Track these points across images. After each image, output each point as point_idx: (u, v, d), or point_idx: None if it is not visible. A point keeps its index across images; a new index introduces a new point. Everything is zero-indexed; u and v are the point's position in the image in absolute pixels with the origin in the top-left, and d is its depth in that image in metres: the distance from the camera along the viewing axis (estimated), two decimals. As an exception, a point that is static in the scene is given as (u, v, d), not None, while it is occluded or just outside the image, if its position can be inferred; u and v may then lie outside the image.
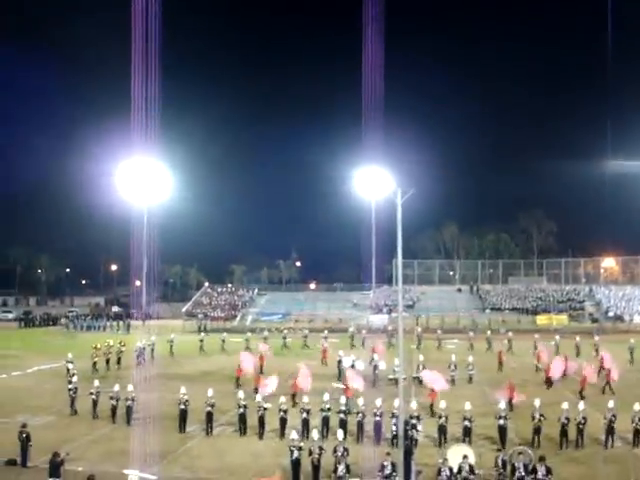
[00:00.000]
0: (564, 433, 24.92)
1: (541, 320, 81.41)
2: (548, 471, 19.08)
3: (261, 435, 26.77)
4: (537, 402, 25.77)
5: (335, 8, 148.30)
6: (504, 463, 20.04)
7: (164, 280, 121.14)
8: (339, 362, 40.79)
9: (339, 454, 20.49)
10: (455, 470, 19.35)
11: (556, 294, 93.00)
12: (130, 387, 29.05)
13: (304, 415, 26.30)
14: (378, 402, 26.08)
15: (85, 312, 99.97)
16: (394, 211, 20.08)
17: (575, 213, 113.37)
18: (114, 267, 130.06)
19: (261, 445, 25.76)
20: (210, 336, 60.61)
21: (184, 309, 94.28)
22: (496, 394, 29.93)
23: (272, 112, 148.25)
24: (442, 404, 26.17)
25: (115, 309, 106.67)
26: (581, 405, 25.90)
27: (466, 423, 25.27)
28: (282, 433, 26.35)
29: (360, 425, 25.99)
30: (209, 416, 27.50)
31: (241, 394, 28.02)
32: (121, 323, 79.62)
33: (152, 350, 48.82)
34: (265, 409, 26.88)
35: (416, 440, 22.95)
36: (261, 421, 26.80)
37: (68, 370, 37.08)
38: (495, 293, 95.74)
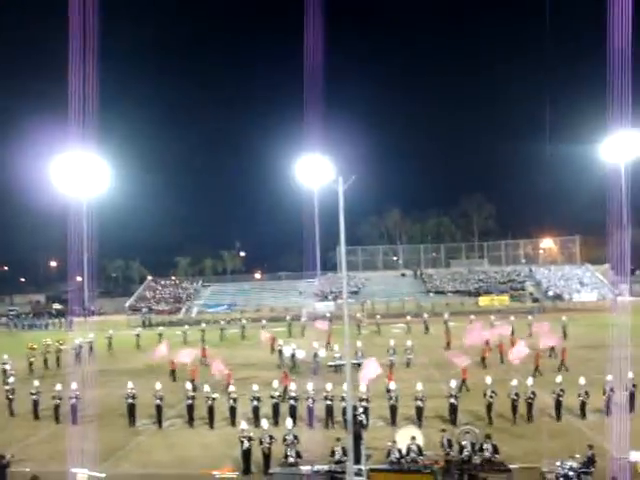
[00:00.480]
0: (514, 409, 25.84)
1: (483, 301, 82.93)
2: (495, 449, 19.56)
3: (211, 425, 26.79)
4: (489, 379, 26.69)
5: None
6: (450, 443, 20.42)
7: (106, 275, 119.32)
8: (280, 351, 40.94)
9: (289, 442, 20.59)
10: (404, 452, 19.66)
11: (497, 275, 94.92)
12: (74, 385, 28.42)
13: (254, 403, 26.68)
14: (329, 386, 26.43)
15: (26, 310, 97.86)
16: (336, 198, 20.11)
17: (514, 195, 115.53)
18: (54, 263, 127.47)
19: (211, 436, 25.70)
20: (152, 330, 60.06)
21: (127, 304, 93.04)
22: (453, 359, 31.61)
23: (212, 101, 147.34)
24: (392, 385, 26.70)
25: (56, 306, 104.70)
26: (530, 381, 26.77)
27: (418, 403, 26.00)
28: (233, 422, 26.46)
29: (310, 410, 26.33)
30: (158, 409, 27.45)
31: (189, 385, 28.11)
32: (63, 320, 78.05)
33: (90, 347, 47.86)
34: (214, 399, 26.95)
35: (366, 424, 23.14)
36: (210, 411, 26.87)
37: (5, 371, 36.31)
38: (438, 277, 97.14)
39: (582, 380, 26.22)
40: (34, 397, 29.20)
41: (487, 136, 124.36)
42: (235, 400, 26.92)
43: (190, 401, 27.24)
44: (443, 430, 21.40)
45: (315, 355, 37.34)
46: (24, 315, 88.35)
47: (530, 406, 25.96)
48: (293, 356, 38.88)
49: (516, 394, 25.97)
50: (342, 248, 21.00)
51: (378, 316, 59.97)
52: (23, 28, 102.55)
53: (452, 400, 26.26)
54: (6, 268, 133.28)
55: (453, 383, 26.99)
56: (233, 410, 26.85)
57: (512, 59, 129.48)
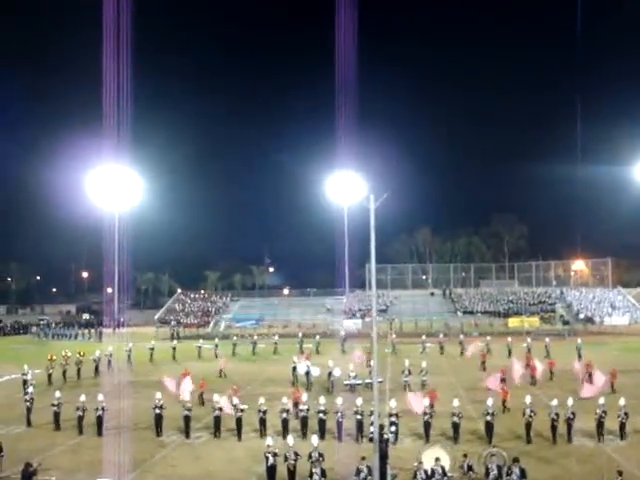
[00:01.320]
0: (554, 429, 25.74)
1: (513, 323, 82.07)
2: (522, 473, 19.18)
3: (239, 437, 26.91)
4: (528, 399, 26.59)
5: (311, 14, 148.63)
6: (470, 468, 20.08)
7: (136, 287, 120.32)
8: (294, 368, 40.26)
9: (314, 459, 20.49)
10: (429, 473, 19.44)
11: (527, 297, 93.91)
12: (100, 397, 28.32)
13: (284, 415, 26.94)
14: (359, 401, 26.63)
15: (56, 320, 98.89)
16: (367, 216, 20.11)
17: (545, 216, 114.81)
18: (85, 274, 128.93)
19: (238, 450, 25.60)
20: (183, 343, 60.36)
21: (157, 316, 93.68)
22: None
23: (245, 117, 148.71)
24: (426, 402, 26.74)
25: (86, 317, 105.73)
26: (570, 401, 26.47)
27: (454, 419, 26.11)
28: (262, 434, 26.69)
29: (339, 425, 26.55)
30: (186, 420, 27.63)
31: (216, 397, 28.09)
32: (92, 331, 78.75)
33: (109, 361, 47.30)
34: (242, 411, 27.12)
35: (392, 441, 22.96)
36: (238, 423, 27.03)
37: (25, 382, 35.99)
38: (467, 296, 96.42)
39: (622, 401, 26.14)
40: (55, 408, 28.93)
41: (520, 156, 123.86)
42: (265, 412, 27.12)
43: (218, 412, 27.27)
44: (464, 455, 20.92)
45: (330, 374, 36.71)
46: (54, 325, 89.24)
47: (569, 427, 25.80)
48: (307, 373, 38.18)
49: (556, 414, 25.85)
50: (372, 265, 20.93)
51: (424, 336, 58.57)
52: (58, 43, 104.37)
53: (488, 418, 26.13)
54: (38, 278, 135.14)
55: (490, 401, 26.87)
56: (263, 422, 27.11)
57: (547, 79, 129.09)
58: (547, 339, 51.34)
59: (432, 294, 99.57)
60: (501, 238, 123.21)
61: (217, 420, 27.33)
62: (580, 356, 46.02)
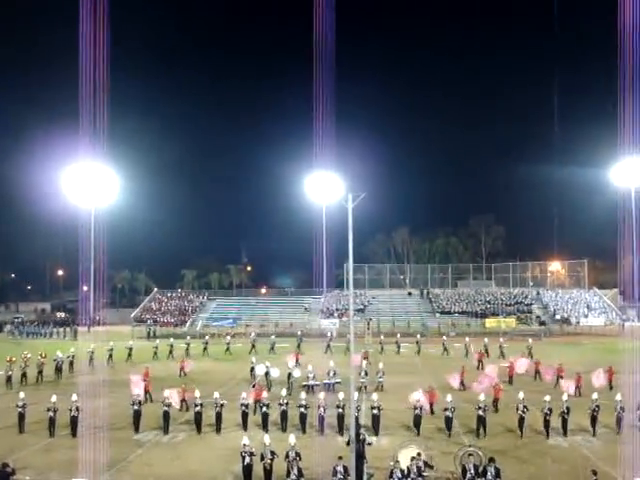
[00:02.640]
0: (547, 423, 26.43)
1: (490, 323, 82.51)
2: (497, 473, 19.18)
3: (218, 431, 27.44)
4: (521, 394, 27.27)
5: (290, 15, 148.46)
6: (420, 470, 19.89)
7: (112, 285, 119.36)
8: (252, 369, 39.64)
9: (291, 458, 20.38)
10: (406, 472, 19.38)
11: (504, 297, 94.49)
12: (74, 397, 27.43)
13: (264, 409, 27.68)
14: (340, 395, 27.32)
15: (31, 318, 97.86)
16: (345, 215, 20.05)
17: (523, 218, 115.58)
18: (60, 272, 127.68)
19: (214, 449, 25.38)
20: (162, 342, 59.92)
21: (133, 315, 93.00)
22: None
23: (223, 116, 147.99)
24: (416, 395, 27.59)
25: (61, 315, 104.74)
26: (564, 396, 27.45)
27: (447, 414, 26.90)
28: (245, 427, 27.67)
29: (321, 419, 27.20)
30: (166, 416, 27.77)
31: (197, 393, 28.37)
32: (67, 329, 78.00)
33: (71, 362, 45.84)
34: (222, 405, 27.63)
35: (369, 443, 22.90)
36: (218, 417, 27.56)
37: None
38: (445, 297, 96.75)
39: (619, 396, 27.19)
40: (20, 410, 27.68)
41: (498, 158, 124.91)
42: (247, 406, 28.00)
43: (198, 408, 27.63)
44: (418, 454, 20.42)
45: (289, 375, 36.06)
46: (29, 323, 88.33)
47: (564, 421, 26.49)
48: (267, 374, 37.43)
49: (549, 409, 26.35)
50: (350, 265, 20.93)
51: (399, 335, 59.53)
52: (35, 41, 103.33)
53: (480, 412, 26.71)
54: (13, 276, 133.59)
55: (482, 396, 27.49)
56: (245, 416, 27.95)
57: (525, 81, 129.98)
58: (530, 340, 51.84)
59: (410, 294, 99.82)
60: (479, 239, 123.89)
61: (198, 416, 27.64)
62: (531, 355, 46.87)
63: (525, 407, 26.48)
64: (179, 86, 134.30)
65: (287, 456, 20.55)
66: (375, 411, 27.10)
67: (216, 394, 28.27)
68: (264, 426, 27.32)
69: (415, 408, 27.13)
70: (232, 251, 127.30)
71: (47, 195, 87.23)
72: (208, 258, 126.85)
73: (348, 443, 20.62)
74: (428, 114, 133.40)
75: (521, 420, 26.48)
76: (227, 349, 55.11)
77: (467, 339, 54.78)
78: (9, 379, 39.47)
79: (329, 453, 22.14)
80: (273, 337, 57.82)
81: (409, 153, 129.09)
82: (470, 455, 20.25)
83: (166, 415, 27.73)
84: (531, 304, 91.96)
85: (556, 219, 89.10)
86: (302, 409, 27.51)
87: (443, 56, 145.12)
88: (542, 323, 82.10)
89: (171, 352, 52.10)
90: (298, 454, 20.54)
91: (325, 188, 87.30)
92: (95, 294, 78.96)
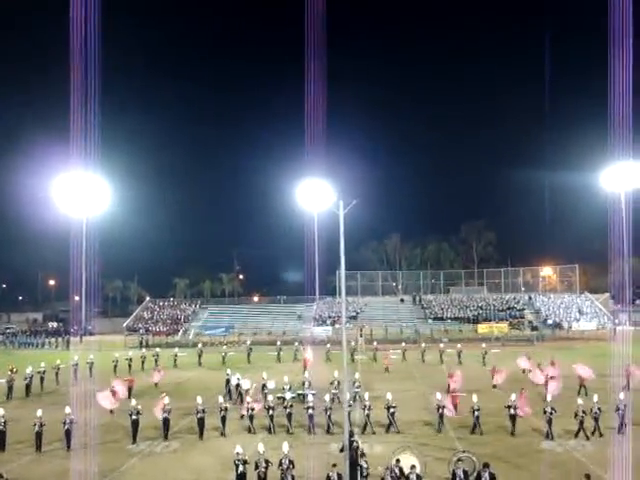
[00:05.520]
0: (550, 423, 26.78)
1: (482, 329, 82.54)
2: (492, 477, 19.14)
3: (223, 434, 28.25)
4: (513, 396, 27.93)
5: (281, 25, 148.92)
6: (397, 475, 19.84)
7: (104, 295, 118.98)
8: (227, 380, 37.95)
9: (284, 467, 20.37)
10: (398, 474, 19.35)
11: (496, 303, 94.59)
12: (67, 409, 27.11)
13: (222, 414, 28.59)
14: (327, 397, 28.70)
15: (23, 329, 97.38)
16: (337, 223, 20.10)
17: (514, 223, 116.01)
18: (52, 282, 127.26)
19: (207, 458, 25.28)
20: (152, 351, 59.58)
21: (125, 324, 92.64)
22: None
23: (215, 125, 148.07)
24: (474, 398, 28.51)
25: (53, 325, 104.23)
26: (548, 397, 28.20)
27: (441, 411, 28.27)
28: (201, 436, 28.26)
29: (310, 419, 28.44)
30: (165, 423, 28.30)
31: (199, 400, 28.59)
32: (59, 339, 77.63)
33: (56, 373, 44.87)
34: (226, 409, 28.52)
35: (362, 450, 22.90)
36: (223, 421, 28.48)
37: None
38: (437, 303, 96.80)
39: (622, 395, 27.56)
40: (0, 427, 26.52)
41: (489, 164, 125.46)
42: (204, 411, 28.40)
43: (201, 414, 28.13)
44: (397, 461, 20.30)
45: (263, 387, 34.77)
46: (21, 333, 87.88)
47: (550, 423, 26.76)
48: (238, 386, 36.50)
49: (552, 410, 26.74)
50: (342, 272, 20.93)
51: (375, 342, 59.64)
52: (27, 49, 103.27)
53: (511, 411, 27.45)
54: (4, 286, 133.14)
55: (513, 396, 27.91)
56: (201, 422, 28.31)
57: (514, 87, 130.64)
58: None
59: (402, 300, 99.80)
60: (470, 245, 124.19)
61: (201, 421, 28.21)
62: (485, 363, 48.20)
63: (553, 409, 26.72)
64: (171, 96, 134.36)
65: (281, 464, 20.54)
66: (392, 410, 28.20)
67: (220, 398, 29.37)
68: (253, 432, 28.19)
69: (438, 408, 28.14)
70: (224, 259, 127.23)
71: (38, 205, 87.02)
72: (200, 266, 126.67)
73: (342, 450, 20.64)
74: (419, 121, 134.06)
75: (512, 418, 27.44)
76: (223, 360, 54.46)
77: (459, 345, 54.65)
78: None
79: (323, 461, 22.14)
80: (279, 344, 57.85)
81: (400, 160, 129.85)
82: (460, 460, 20.20)
83: (135, 424, 27.71)
84: (523, 309, 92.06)
85: (547, 224, 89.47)
86: (289, 409, 28.88)
87: (434, 64, 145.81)
88: (534, 328, 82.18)
89: (156, 362, 51.31)
90: (292, 462, 20.53)
91: (316, 195, 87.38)
92: (87, 304, 78.74)
